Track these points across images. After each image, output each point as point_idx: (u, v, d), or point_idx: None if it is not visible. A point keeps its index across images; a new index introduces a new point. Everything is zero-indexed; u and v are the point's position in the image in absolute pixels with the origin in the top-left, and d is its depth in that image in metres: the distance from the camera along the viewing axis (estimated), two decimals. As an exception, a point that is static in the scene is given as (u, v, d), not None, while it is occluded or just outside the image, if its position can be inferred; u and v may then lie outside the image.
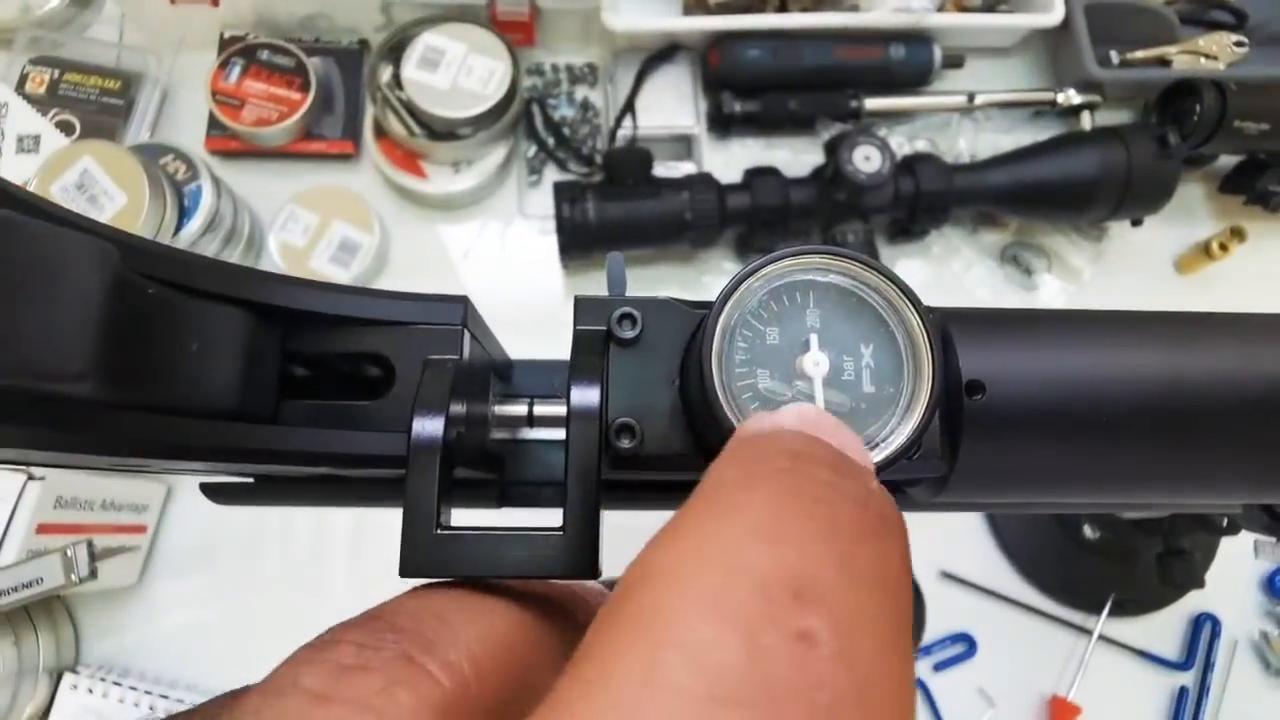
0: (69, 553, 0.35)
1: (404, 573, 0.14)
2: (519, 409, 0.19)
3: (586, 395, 0.15)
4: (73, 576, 0.35)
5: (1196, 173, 0.68)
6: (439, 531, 0.14)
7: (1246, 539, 0.40)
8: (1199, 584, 0.50)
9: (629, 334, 0.16)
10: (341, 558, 0.56)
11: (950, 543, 0.56)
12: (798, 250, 0.15)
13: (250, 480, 0.19)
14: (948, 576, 0.56)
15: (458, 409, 0.15)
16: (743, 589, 0.09)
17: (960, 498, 0.17)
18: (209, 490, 0.20)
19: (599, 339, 0.16)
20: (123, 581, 0.52)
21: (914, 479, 0.16)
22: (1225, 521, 0.46)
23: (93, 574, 0.35)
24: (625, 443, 0.15)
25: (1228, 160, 0.66)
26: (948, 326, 0.16)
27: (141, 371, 0.13)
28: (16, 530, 0.43)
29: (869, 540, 0.10)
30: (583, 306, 0.17)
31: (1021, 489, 0.17)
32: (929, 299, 0.16)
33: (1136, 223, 0.61)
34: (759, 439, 0.12)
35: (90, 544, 0.36)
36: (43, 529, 0.44)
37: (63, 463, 0.14)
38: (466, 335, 0.17)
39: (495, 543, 0.14)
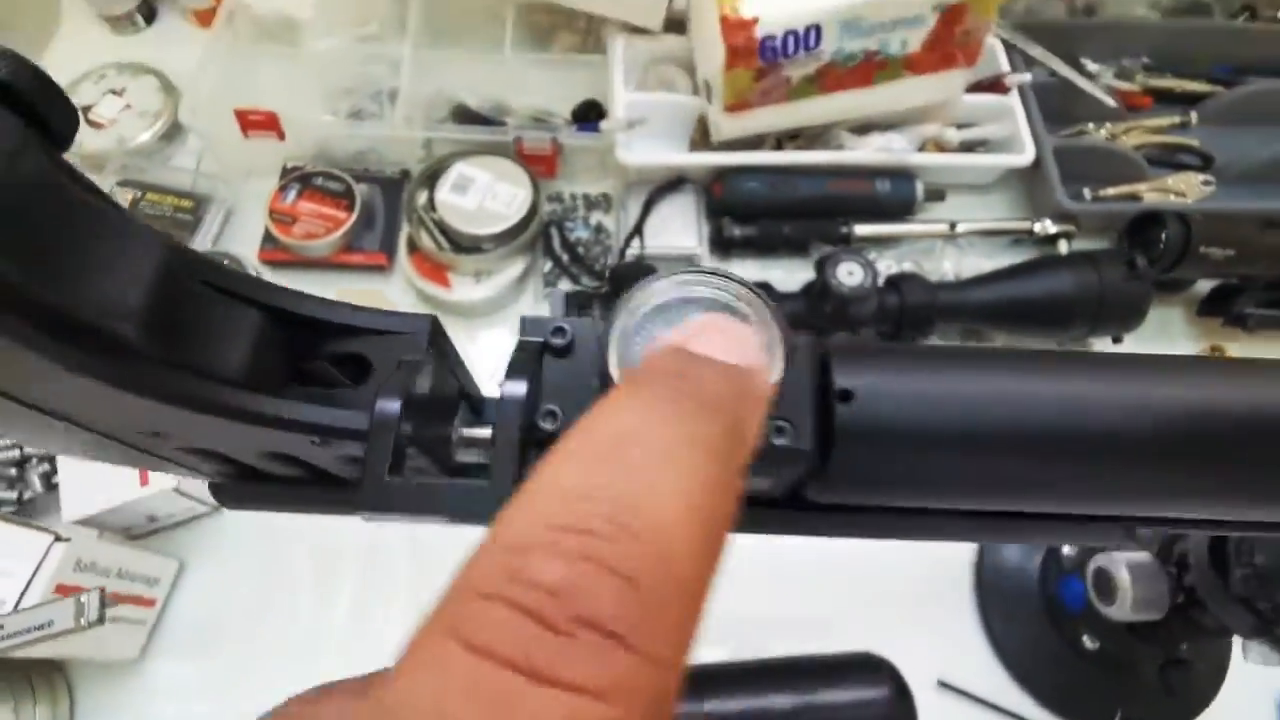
0: (82, 599, 0.38)
1: (358, 508, 0.17)
2: (483, 432, 0.22)
3: (515, 387, 0.18)
4: (82, 620, 0.37)
5: (1177, 297, 0.71)
6: (387, 479, 0.17)
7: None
8: (1204, 700, 0.49)
9: (560, 343, 0.20)
10: (343, 657, 0.56)
11: (948, 650, 0.55)
12: (680, 270, 0.18)
13: (254, 476, 0.22)
14: (945, 686, 0.54)
15: (419, 394, 0.18)
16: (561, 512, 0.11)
17: (842, 496, 0.20)
18: (216, 490, 0.23)
19: (536, 348, 0.20)
20: (125, 654, 0.53)
21: (790, 449, 0.18)
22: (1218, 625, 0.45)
23: (101, 619, 0.38)
24: (548, 425, 0.18)
25: (1205, 284, 0.69)
26: (828, 347, 0.20)
27: (174, 334, 0.17)
28: (37, 586, 0.45)
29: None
30: (527, 323, 0.20)
31: (895, 492, 0.20)
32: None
33: (1117, 340, 0.64)
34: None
35: (102, 592, 0.38)
36: (61, 589, 0.47)
37: (95, 405, 0.17)
38: (431, 347, 0.20)
39: (431, 490, 0.17)
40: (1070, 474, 0.19)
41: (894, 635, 0.42)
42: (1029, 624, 0.55)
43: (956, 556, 0.58)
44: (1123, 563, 0.46)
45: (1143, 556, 0.46)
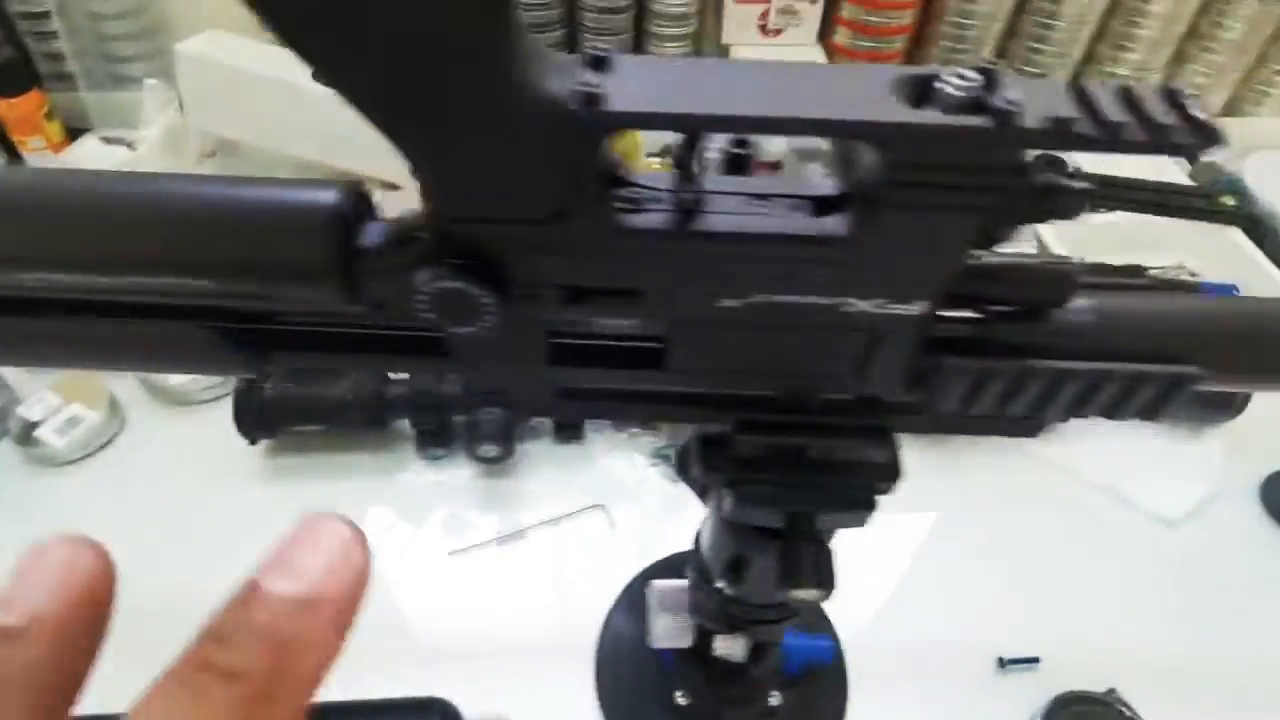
0: None
1: None
2: None
3: None
4: None
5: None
6: None
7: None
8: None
9: None
10: None
11: (561, 711, 0.56)
12: None
13: None
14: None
15: None
16: None
17: None
18: None
19: None
20: None
21: None
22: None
23: None
24: None
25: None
26: None
27: None
28: None
29: None
30: None
31: None
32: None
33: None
34: None
35: None
36: None
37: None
38: None
39: None
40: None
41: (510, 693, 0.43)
42: (634, 682, 0.56)
43: (589, 620, 0.60)
44: (655, 589, 0.50)
45: (676, 583, 0.49)
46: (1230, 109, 1.11)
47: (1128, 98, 0.20)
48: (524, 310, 0.25)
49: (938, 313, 0.25)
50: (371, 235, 0.25)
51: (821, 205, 0.23)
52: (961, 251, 0.22)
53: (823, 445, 0.30)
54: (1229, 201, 0.91)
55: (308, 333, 0.29)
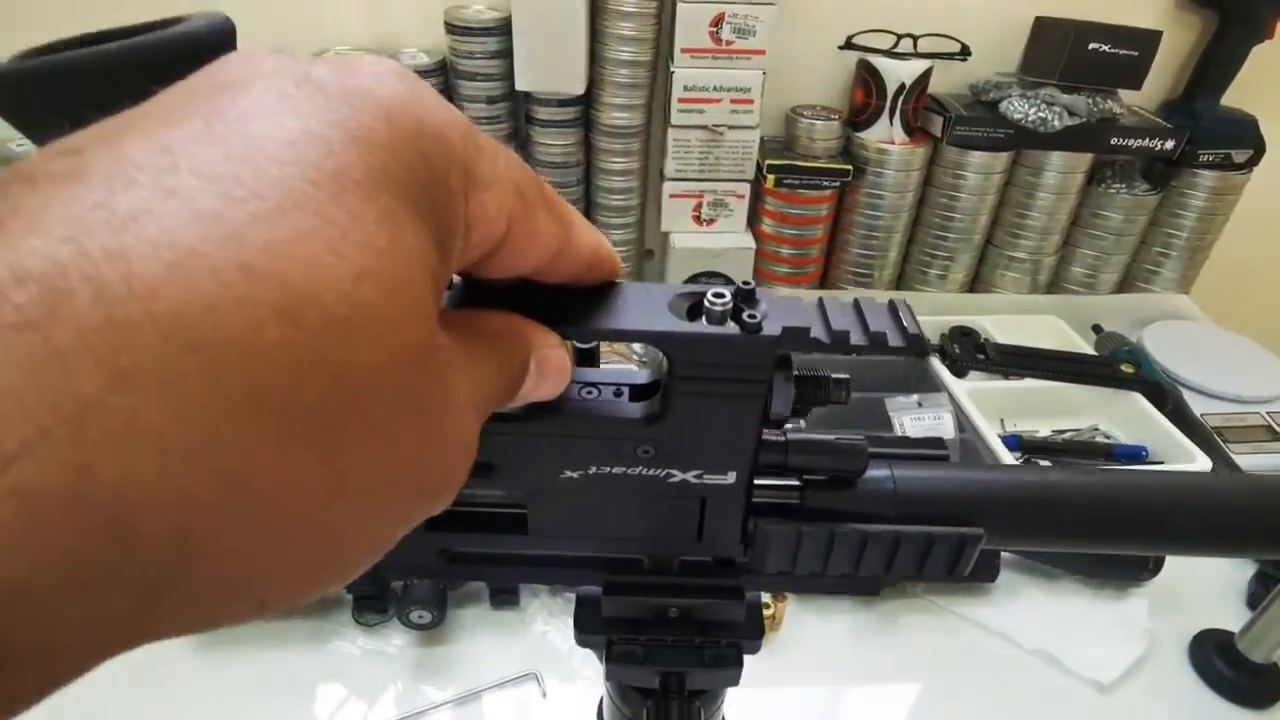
0: None
1: None
2: None
3: None
4: None
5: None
6: None
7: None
8: None
9: None
10: None
11: None
12: None
13: None
14: None
15: None
16: None
17: None
18: None
19: None
20: None
21: None
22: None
23: None
24: None
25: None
26: None
27: None
28: None
29: None
30: None
31: None
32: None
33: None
34: None
35: None
36: None
37: None
38: None
39: None
40: None
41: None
42: None
43: None
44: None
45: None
46: (1125, 285, 1.22)
47: (857, 309, 0.25)
48: None
49: (760, 482, 0.29)
50: None
51: (636, 392, 0.27)
52: (752, 430, 0.26)
53: (683, 605, 0.33)
54: (1128, 370, 0.98)
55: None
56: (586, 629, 0.34)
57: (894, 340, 0.24)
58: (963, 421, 0.91)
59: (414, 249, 0.13)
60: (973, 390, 0.95)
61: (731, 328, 0.24)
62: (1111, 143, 1.05)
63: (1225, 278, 1.24)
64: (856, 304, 0.25)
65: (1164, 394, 0.97)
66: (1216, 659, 0.69)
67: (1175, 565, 0.75)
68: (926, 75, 1.02)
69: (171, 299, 0.10)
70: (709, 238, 1.10)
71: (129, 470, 0.09)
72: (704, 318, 0.24)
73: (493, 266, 0.19)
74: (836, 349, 0.24)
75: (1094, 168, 1.11)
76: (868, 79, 1.03)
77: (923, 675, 0.69)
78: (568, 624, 0.72)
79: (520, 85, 0.98)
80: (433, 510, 0.16)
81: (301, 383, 0.11)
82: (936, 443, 0.33)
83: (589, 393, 0.28)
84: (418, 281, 0.13)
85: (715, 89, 0.98)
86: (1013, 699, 0.68)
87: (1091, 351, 1.06)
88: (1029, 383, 0.98)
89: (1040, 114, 1.00)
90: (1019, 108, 1.01)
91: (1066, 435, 0.97)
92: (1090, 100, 1.02)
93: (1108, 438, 0.97)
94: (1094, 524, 0.30)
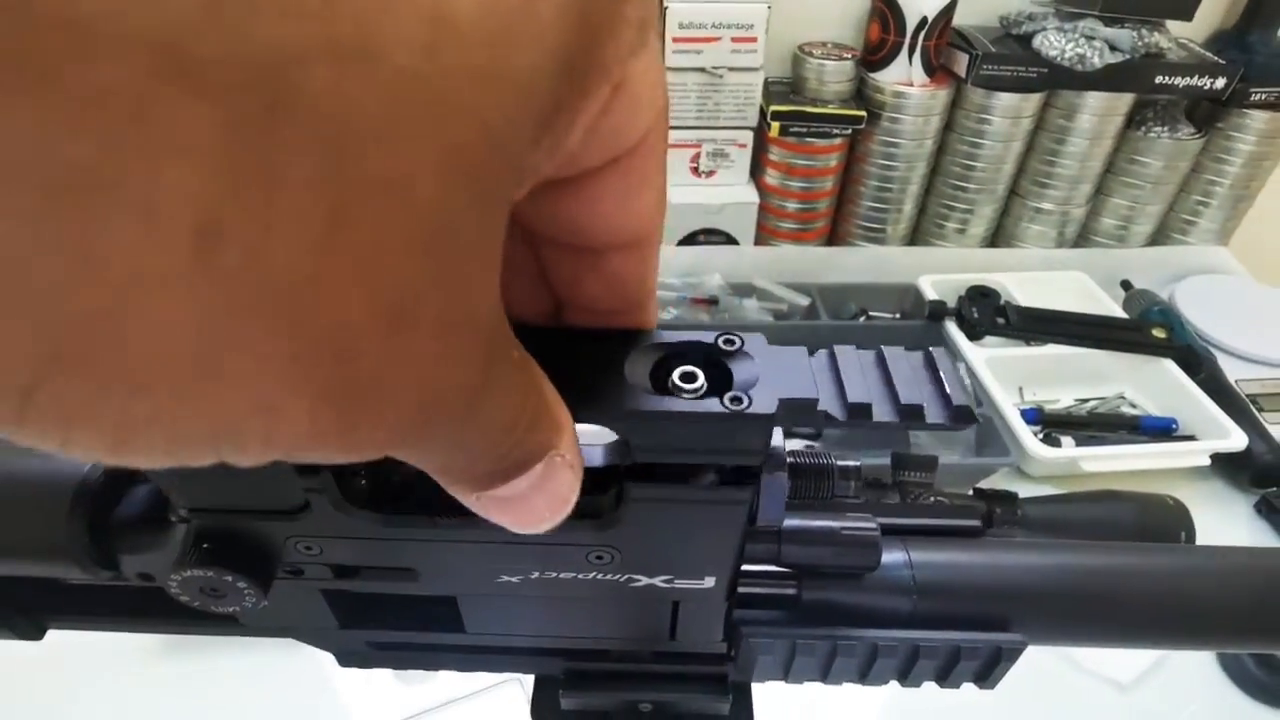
0: None
1: None
2: None
3: None
4: None
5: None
6: None
7: None
8: None
9: None
10: None
11: None
12: None
13: None
14: None
15: None
16: None
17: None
18: None
19: None
20: None
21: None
22: None
23: None
24: None
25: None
26: None
27: None
28: None
29: None
30: None
31: None
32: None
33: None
34: None
35: None
36: None
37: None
38: None
39: None
40: None
41: None
42: None
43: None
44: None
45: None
46: (1159, 238, 1.14)
47: (881, 364, 0.19)
48: (295, 584, 0.23)
49: (747, 567, 0.23)
50: (133, 505, 0.23)
51: (591, 478, 0.21)
52: (736, 534, 0.20)
53: (657, 700, 0.28)
54: (1160, 334, 0.91)
55: (89, 594, 0.27)
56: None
57: (934, 414, 0.18)
58: (979, 394, 0.85)
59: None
60: (991, 359, 0.88)
61: (711, 403, 0.18)
62: (1156, 82, 0.95)
63: (1268, 229, 1.15)
64: (881, 357, 0.19)
65: (1197, 360, 0.90)
66: (1246, 657, 0.65)
67: (1203, 550, 0.70)
68: (951, 7, 0.92)
69: None
70: (708, 191, 1.02)
71: None
72: (672, 392, 0.18)
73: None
74: (855, 424, 0.18)
75: (1134, 109, 1.01)
76: (885, 12, 0.93)
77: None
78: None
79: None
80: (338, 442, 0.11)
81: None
82: (968, 510, 0.27)
83: None
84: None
85: (714, 26, 0.89)
86: (1028, 700, 0.64)
87: (1119, 311, 0.98)
88: (1051, 349, 0.91)
89: (1079, 50, 0.90)
90: (1055, 43, 0.91)
91: (1090, 405, 0.90)
92: (1135, 33, 0.92)
93: (1134, 407, 0.91)
94: (1160, 622, 0.25)
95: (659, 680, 0.27)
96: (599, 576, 0.22)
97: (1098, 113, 0.97)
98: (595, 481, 0.22)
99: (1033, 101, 0.97)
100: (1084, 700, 0.64)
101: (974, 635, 0.22)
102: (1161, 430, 0.85)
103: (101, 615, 0.26)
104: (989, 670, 0.23)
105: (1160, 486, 0.71)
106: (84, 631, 0.27)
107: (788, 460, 0.20)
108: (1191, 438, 0.84)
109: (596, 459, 0.22)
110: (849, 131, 0.97)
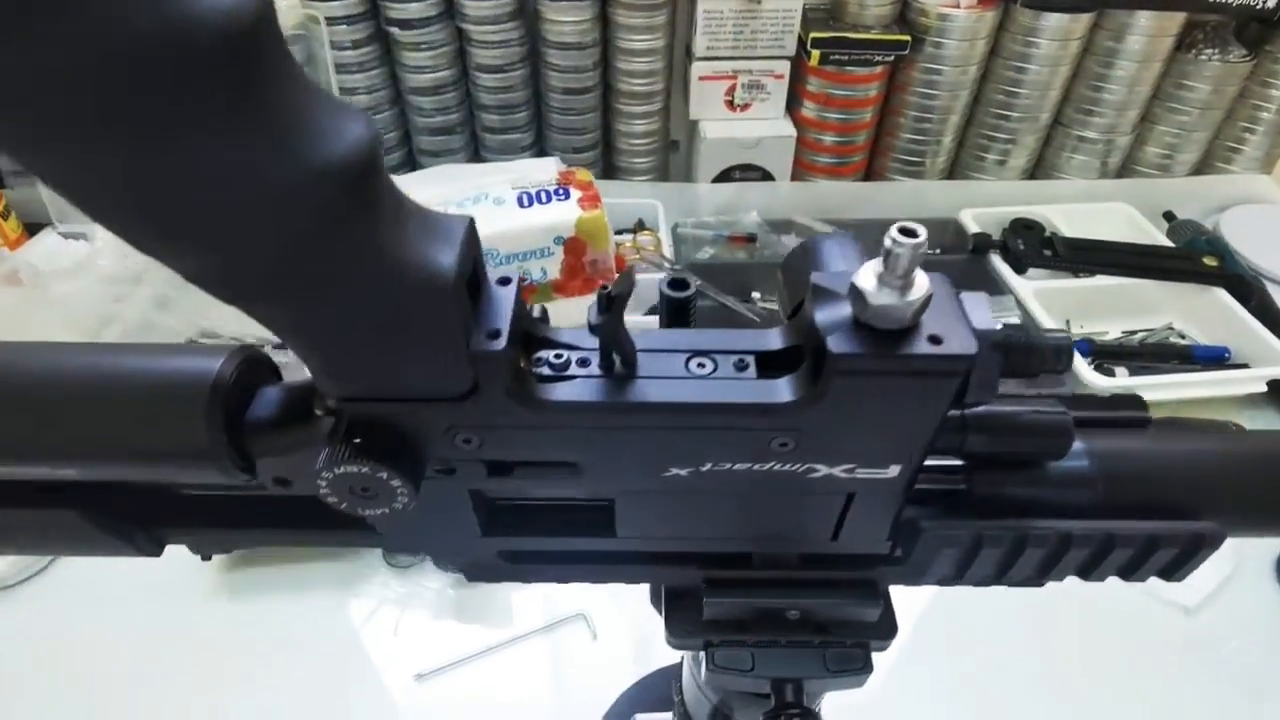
0: None
1: None
2: None
3: None
4: None
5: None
6: None
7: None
8: None
9: None
10: None
11: None
12: None
13: None
14: None
15: None
16: None
17: None
18: None
19: None
20: None
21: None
22: None
23: None
24: None
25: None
26: None
27: None
28: None
29: None
30: None
31: None
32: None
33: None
34: None
35: None
36: None
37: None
38: None
39: None
40: None
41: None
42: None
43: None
44: None
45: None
46: (1202, 167, 1.11)
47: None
48: (444, 485, 0.22)
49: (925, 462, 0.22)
50: (266, 406, 0.22)
51: (766, 361, 0.20)
52: (936, 418, 0.19)
53: (805, 606, 0.26)
54: (1210, 263, 0.89)
55: (208, 505, 0.25)
56: (682, 632, 0.28)
57: None
58: (1030, 327, 0.84)
59: None
60: (1039, 290, 0.86)
61: None
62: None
63: (1314, 155, 1.12)
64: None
65: (1248, 289, 0.88)
66: (1309, 579, 0.64)
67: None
68: (999, -77, 0.88)
69: None
70: (744, 125, 0.98)
71: None
72: None
73: None
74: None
75: (1184, 31, 0.97)
76: (929, -70, 0.88)
77: (1000, 600, 0.65)
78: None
79: (528, -51, 0.84)
80: None
81: None
82: (1134, 402, 0.25)
83: (700, 365, 0.20)
84: None
85: (753, -52, 0.85)
86: (1097, 625, 0.64)
87: (1166, 241, 0.96)
88: (1099, 280, 0.89)
89: (1131, -34, 0.86)
90: (1106, -41, 0.87)
91: (1140, 337, 0.89)
92: (1189, -53, 0.88)
93: (1183, 338, 0.89)
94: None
95: (807, 586, 0.26)
96: (776, 467, 0.21)
97: (1148, 33, 0.93)
98: (773, 362, 0.20)
99: (1082, 23, 0.93)
100: (1152, 624, 0.64)
101: (1173, 524, 0.21)
102: (1214, 359, 0.84)
103: (220, 527, 0.25)
104: (1182, 561, 0.22)
105: (1217, 414, 0.70)
106: (205, 544, 0.26)
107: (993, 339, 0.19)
108: (1245, 365, 0.82)
109: (774, 341, 0.21)
110: (891, 58, 0.94)
